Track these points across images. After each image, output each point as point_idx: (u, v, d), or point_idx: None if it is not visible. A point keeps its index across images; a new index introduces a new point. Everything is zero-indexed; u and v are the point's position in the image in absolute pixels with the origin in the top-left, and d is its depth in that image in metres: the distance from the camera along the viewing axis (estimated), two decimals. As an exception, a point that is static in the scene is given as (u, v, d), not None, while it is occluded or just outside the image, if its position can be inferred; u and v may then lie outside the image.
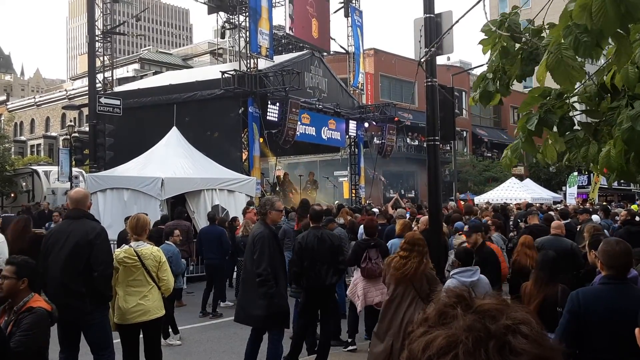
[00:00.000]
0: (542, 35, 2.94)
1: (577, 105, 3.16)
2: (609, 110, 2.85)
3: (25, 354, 3.49)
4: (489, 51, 3.07)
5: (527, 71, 3.05)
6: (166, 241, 8.40)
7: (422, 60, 6.43)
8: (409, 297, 5.04)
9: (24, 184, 26.27)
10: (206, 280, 10.30)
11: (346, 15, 26.16)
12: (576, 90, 3.10)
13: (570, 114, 3.05)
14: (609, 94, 2.78)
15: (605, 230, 10.26)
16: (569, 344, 3.48)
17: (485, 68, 3.27)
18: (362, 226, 9.17)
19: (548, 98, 2.84)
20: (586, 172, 25.65)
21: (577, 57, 2.22)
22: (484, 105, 3.11)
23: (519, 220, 13.61)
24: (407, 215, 12.11)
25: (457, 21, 3.49)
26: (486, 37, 3.02)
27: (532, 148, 3.03)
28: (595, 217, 11.72)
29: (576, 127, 3.11)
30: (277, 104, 18.91)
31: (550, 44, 2.29)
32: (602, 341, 3.29)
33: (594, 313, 3.32)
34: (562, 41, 2.18)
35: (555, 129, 2.94)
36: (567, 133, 3.02)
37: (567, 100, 2.89)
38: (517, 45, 2.95)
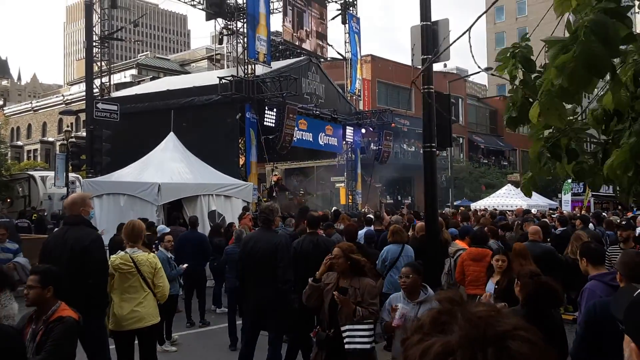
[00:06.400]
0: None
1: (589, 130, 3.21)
2: (615, 133, 2.89)
3: None
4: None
5: None
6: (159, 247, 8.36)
7: (415, 78, 6.44)
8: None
9: (21, 189, 26.19)
10: (185, 288, 9.35)
11: (343, 22, 26.26)
12: (583, 116, 3.16)
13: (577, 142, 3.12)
14: (615, 116, 2.83)
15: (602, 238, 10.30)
16: (586, 355, 3.42)
17: (481, 75, 3.34)
18: (361, 231, 9.20)
19: (551, 131, 2.92)
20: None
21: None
22: (513, 129, 3.30)
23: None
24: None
25: (455, 40, 3.51)
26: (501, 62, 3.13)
27: (546, 173, 3.16)
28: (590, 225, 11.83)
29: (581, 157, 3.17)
30: (275, 110, 18.94)
31: (544, 85, 2.53)
32: (621, 352, 3.24)
33: (613, 324, 3.24)
34: (551, 88, 2.48)
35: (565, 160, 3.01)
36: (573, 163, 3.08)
37: (570, 131, 2.94)
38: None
